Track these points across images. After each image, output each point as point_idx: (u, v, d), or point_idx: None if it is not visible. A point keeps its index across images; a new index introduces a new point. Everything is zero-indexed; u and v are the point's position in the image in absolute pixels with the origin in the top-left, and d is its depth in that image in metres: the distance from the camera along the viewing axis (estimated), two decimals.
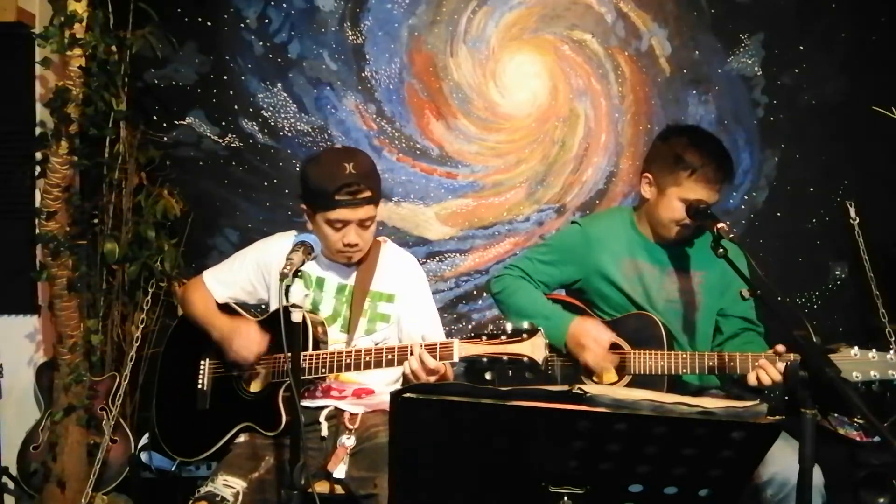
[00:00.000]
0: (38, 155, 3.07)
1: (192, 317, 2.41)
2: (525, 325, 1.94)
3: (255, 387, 2.30)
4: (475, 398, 1.42)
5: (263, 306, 2.47)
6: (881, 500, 2.99)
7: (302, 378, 2.07)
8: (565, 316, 2.43)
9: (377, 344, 2.29)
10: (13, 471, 3.20)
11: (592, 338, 2.36)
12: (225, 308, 2.41)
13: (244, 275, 2.40)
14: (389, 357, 2.11)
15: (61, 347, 3.09)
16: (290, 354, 2.12)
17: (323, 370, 2.17)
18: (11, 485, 3.21)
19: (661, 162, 2.41)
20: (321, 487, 2.20)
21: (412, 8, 3.54)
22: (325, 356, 2.16)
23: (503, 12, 3.56)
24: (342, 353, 2.16)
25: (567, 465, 1.48)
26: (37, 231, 3.03)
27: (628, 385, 2.40)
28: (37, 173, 3.04)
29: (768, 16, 3.58)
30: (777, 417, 1.44)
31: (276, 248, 2.35)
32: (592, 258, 2.51)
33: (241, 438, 2.26)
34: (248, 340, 2.23)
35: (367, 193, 2.20)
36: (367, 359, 2.13)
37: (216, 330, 2.32)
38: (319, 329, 2.24)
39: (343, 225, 2.21)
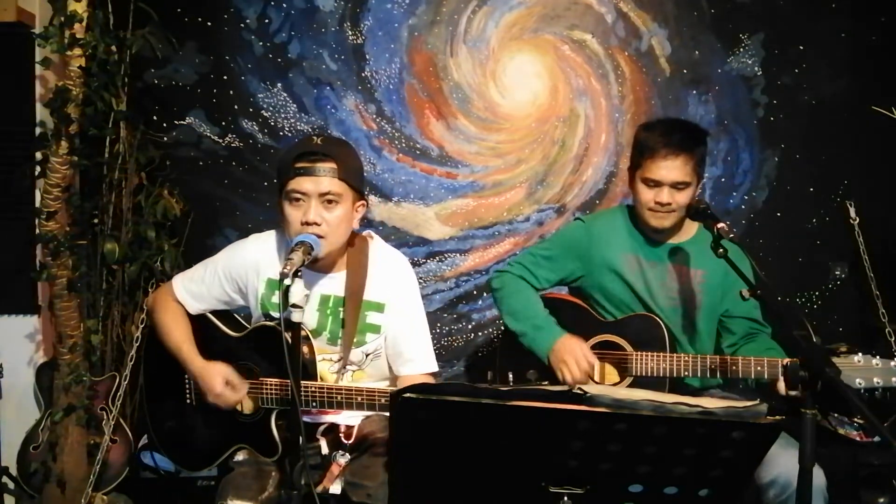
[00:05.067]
0: (38, 155, 3.07)
1: (163, 343, 2.26)
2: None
3: (246, 408, 2.20)
4: (475, 398, 1.42)
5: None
6: (882, 500, 2.99)
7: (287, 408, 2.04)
8: (555, 331, 2.44)
9: (368, 355, 2.23)
10: (13, 471, 3.20)
11: (575, 356, 2.37)
12: (202, 322, 2.29)
13: (218, 288, 2.27)
14: (383, 401, 2.03)
15: (61, 347, 3.08)
16: (275, 380, 2.13)
17: (313, 405, 2.08)
18: (11, 485, 3.21)
19: (631, 153, 2.50)
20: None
21: (412, 8, 3.54)
22: (314, 390, 2.07)
23: (503, 12, 3.56)
24: (332, 388, 2.08)
25: (567, 465, 1.48)
26: (37, 231, 3.02)
27: (629, 387, 2.40)
28: (37, 173, 3.04)
29: (768, 16, 3.58)
30: (777, 417, 1.44)
31: (249, 253, 2.25)
32: (596, 253, 2.52)
33: (241, 457, 2.20)
34: (222, 395, 2.12)
35: (331, 164, 2.04)
36: (360, 399, 2.05)
37: (189, 371, 2.20)
38: (305, 348, 2.09)
39: (301, 198, 2.05)
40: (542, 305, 2.52)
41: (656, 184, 2.37)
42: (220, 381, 2.13)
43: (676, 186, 2.36)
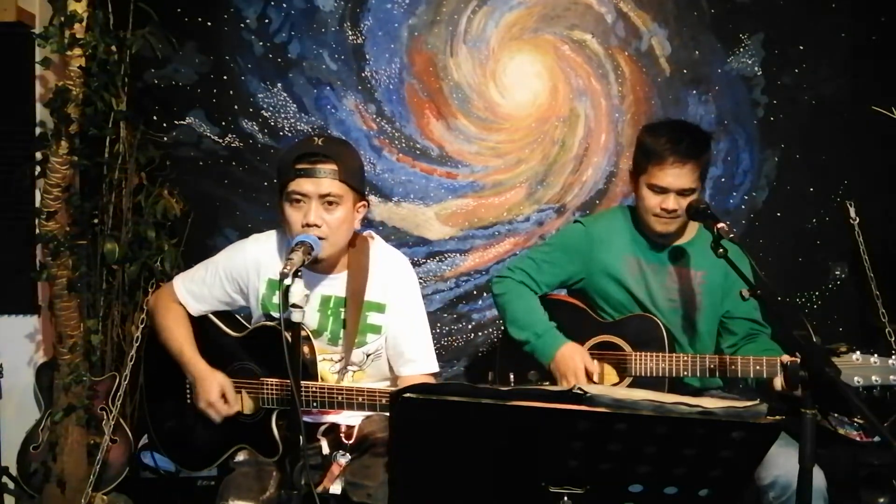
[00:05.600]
0: (38, 155, 3.07)
1: (164, 345, 2.26)
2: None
3: (246, 408, 2.20)
4: (475, 398, 1.42)
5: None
6: (881, 500, 2.99)
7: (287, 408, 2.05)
8: (557, 339, 2.44)
9: (369, 356, 2.23)
10: (13, 471, 3.20)
11: (573, 370, 2.37)
12: (203, 322, 2.29)
13: (218, 289, 2.27)
14: (384, 401, 2.03)
15: (61, 347, 3.08)
16: (275, 381, 2.12)
17: (314, 405, 2.08)
18: (11, 485, 3.21)
19: (634, 154, 2.48)
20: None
21: (412, 8, 3.54)
22: (315, 390, 2.07)
23: (503, 12, 3.56)
24: (333, 388, 2.08)
25: (567, 465, 1.48)
26: (37, 231, 3.02)
27: (629, 387, 2.40)
28: (37, 173, 3.04)
29: (768, 16, 3.58)
30: (777, 417, 1.44)
31: (249, 253, 2.24)
32: (596, 256, 2.52)
33: (241, 457, 2.19)
34: (215, 404, 2.13)
35: (331, 166, 2.03)
36: (361, 400, 2.05)
37: (189, 373, 2.20)
38: (306, 349, 2.10)
39: (302, 199, 2.05)
40: (542, 312, 2.52)
41: (663, 190, 2.37)
42: (217, 390, 2.14)
43: (682, 193, 2.36)
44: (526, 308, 2.52)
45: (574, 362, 2.38)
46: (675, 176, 2.34)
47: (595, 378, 2.40)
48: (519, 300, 2.54)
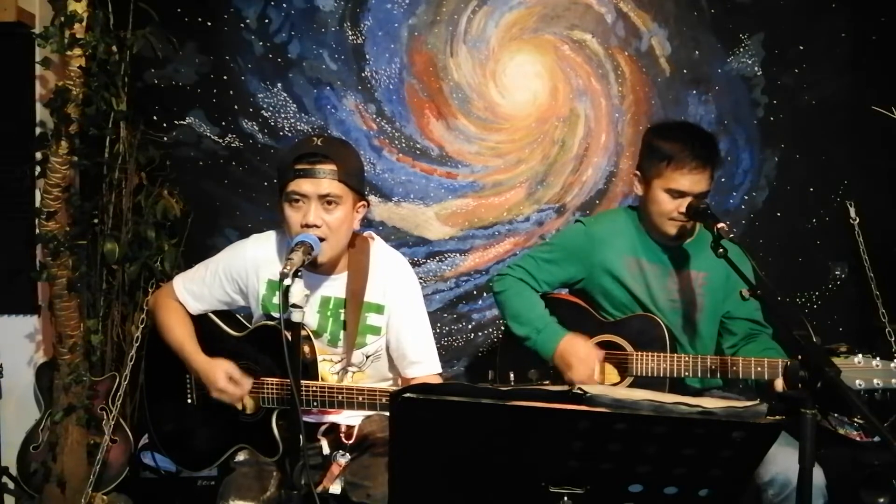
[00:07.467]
0: (38, 155, 3.07)
1: (166, 341, 2.26)
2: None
3: (248, 408, 2.19)
4: (475, 398, 1.42)
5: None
6: (881, 500, 2.99)
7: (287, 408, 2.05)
8: (558, 331, 2.44)
9: (368, 357, 2.24)
10: (13, 471, 3.20)
11: (579, 358, 2.37)
12: (204, 322, 2.30)
13: (218, 289, 2.27)
14: (384, 400, 2.04)
15: (61, 347, 3.09)
16: (275, 380, 2.12)
17: (314, 404, 2.08)
18: (11, 485, 3.21)
19: (644, 156, 2.46)
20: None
21: (412, 8, 3.54)
22: (315, 389, 2.07)
23: (503, 12, 3.56)
24: (333, 388, 2.08)
25: (567, 465, 1.48)
26: (37, 231, 3.02)
27: (630, 387, 2.40)
28: (37, 173, 3.04)
29: (768, 16, 3.58)
30: (777, 417, 1.44)
31: (249, 254, 2.24)
32: (597, 256, 2.52)
33: (242, 457, 2.20)
34: (225, 390, 2.12)
35: (331, 166, 2.03)
36: (361, 399, 2.05)
37: (192, 368, 2.21)
38: (306, 348, 2.11)
39: (301, 199, 2.05)
40: (543, 307, 2.52)
41: (681, 195, 2.36)
42: (223, 376, 2.13)
43: (698, 196, 2.37)
44: (526, 304, 2.52)
45: (578, 354, 2.37)
46: (695, 181, 2.34)
47: (596, 369, 2.39)
48: (519, 297, 2.54)
